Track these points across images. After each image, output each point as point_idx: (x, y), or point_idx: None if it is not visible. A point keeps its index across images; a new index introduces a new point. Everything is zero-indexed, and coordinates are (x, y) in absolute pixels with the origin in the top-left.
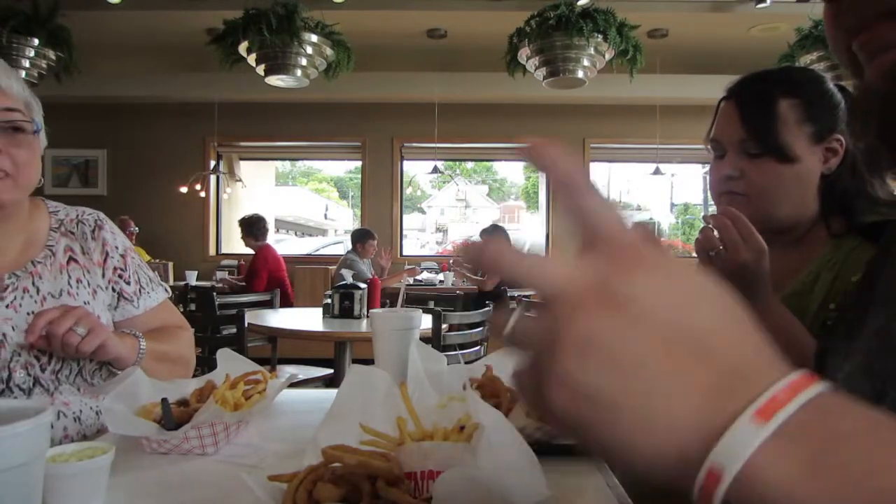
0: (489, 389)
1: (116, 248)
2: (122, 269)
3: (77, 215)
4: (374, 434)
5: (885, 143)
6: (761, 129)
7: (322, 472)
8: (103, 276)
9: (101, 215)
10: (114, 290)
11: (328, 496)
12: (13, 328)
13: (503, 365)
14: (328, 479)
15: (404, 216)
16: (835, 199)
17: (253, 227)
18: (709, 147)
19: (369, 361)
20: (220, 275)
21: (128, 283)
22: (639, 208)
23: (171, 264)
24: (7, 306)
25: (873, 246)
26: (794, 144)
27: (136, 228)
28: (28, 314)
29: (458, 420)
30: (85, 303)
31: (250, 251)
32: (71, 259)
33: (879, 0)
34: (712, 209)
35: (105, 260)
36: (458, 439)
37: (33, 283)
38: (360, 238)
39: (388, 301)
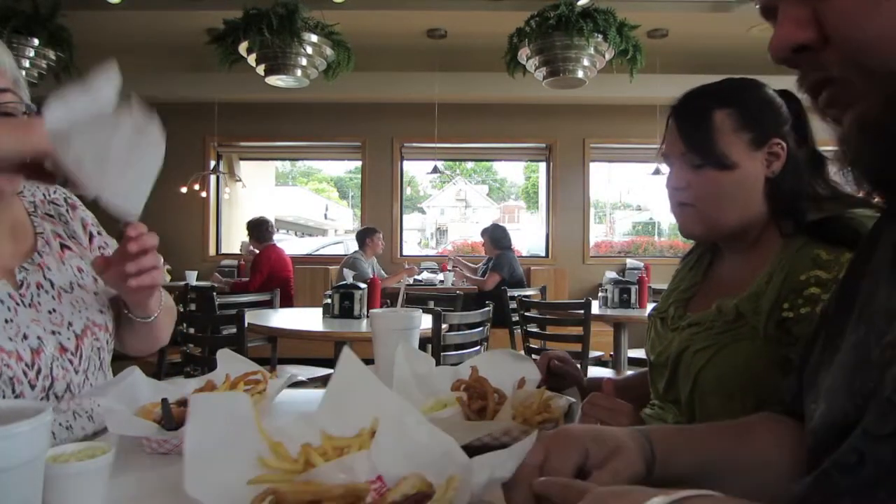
0: (477, 390)
1: (93, 224)
2: (104, 248)
3: (43, 195)
4: (274, 466)
5: (874, 187)
6: (698, 140)
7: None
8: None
9: (65, 190)
10: None
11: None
12: (44, 329)
13: (489, 366)
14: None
15: (404, 216)
16: (781, 202)
17: (257, 230)
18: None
19: (369, 362)
20: (222, 273)
21: None
22: (639, 208)
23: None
24: (28, 306)
25: (819, 243)
26: (732, 152)
27: None
28: (50, 311)
29: (360, 430)
30: (94, 293)
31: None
32: (63, 246)
33: (820, 64)
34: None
35: (91, 240)
36: (356, 439)
37: (45, 277)
38: (365, 235)
39: (388, 301)
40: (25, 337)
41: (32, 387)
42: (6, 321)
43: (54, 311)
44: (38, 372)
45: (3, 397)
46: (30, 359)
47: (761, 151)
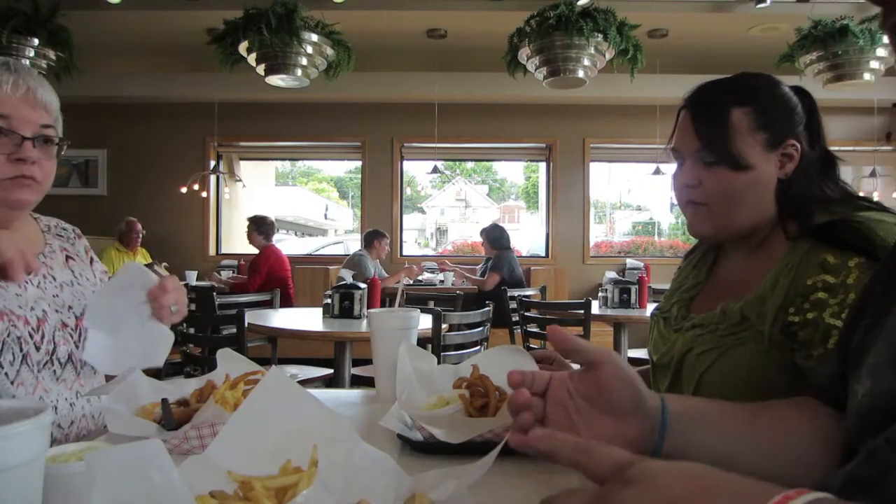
0: (478, 388)
1: (93, 252)
2: (104, 273)
3: (56, 223)
4: None
5: None
6: (715, 138)
7: None
8: (94, 275)
9: (73, 226)
10: None
11: None
12: (49, 306)
13: (490, 364)
14: None
15: (404, 216)
16: (789, 203)
17: (262, 225)
18: (671, 155)
19: (369, 361)
20: (224, 274)
21: None
22: (639, 208)
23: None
24: (36, 287)
25: (826, 248)
26: (748, 153)
27: (144, 231)
28: (53, 296)
29: (281, 467)
30: (92, 291)
31: (251, 251)
32: (68, 257)
33: None
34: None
35: (92, 263)
36: (302, 474)
37: (49, 272)
38: (373, 237)
39: (389, 301)
40: (32, 308)
41: (38, 348)
42: (17, 295)
43: (57, 296)
44: (43, 336)
45: (13, 355)
46: (35, 324)
47: (776, 153)
